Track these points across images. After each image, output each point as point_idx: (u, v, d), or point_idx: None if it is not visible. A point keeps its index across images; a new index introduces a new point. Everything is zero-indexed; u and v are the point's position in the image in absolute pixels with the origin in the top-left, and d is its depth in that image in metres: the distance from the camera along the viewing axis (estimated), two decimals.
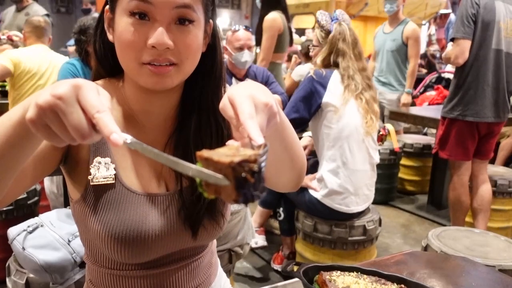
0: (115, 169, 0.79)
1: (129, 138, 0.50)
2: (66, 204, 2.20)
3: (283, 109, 2.75)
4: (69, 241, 1.50)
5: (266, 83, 2.85)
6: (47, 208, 2.28)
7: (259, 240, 2.73)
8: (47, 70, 2.75)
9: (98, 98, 0.51)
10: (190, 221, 0.82)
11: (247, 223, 1.85)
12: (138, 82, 0.76)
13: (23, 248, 1.47)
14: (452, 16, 12.85)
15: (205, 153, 0.48)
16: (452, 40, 2.56)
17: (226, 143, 0.54)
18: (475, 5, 2.46)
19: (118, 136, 0.48)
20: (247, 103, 0.55)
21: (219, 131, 0.85)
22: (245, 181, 0.46)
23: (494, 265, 1.66)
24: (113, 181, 0.78)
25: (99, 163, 0.78)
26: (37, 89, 2.71)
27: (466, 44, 2.49)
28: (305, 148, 2.27)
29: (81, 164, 0.79)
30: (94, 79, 0.86)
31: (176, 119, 0.86)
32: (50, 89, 0.50)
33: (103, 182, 0.78)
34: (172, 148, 0.84)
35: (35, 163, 0.72)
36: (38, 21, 2.91)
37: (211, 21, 0.81)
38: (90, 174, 0.78)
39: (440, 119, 2.75)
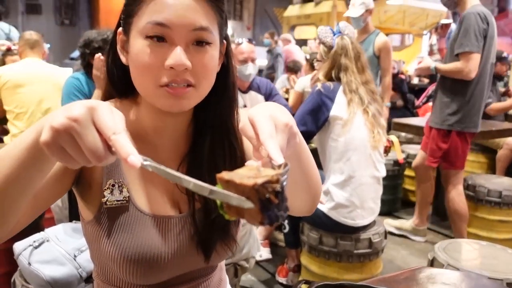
0: (128, 191, 0.79)
1: (146, 160, 0.50)
2: (71, 217, 2.20)
3: None
4: (75, 256, 1.50)
5: (270, 95, 2.85)
6: (51, 220, 2.28)
7: (263, 253, 2.72)
8: (37, 81, 2.76)
9: (114, 119, 0.51)
10: (202, 245, 0.82)
11: (253, 237, 1.85)
12: (154, 104, 0.75)
13: (29, 263, 1.47)
14: (453, 26, 12.91)
15: (225, 175, 0.48)
16: (457, 54, 2.56)
17: (246, 164, 0.54)
18: (485, 21, 2.50)
19: (135, 158, 0.48)
20: (267, 123, 0.55)
21: (232, 151, 0.85)
22: (269, 202, 0.46)
23: (502, 279, 1.65)
24: (127, 204, 0.78)
25: (113, 185, 0.78)
26: (27, 101, 2.72)
27: (479, 58, 2.52)
28: None
29: (94, 186, 0.79)
30: (105, 99, 0.85)
31: (189, 139, 0.86)
32: (65, 111, 0.50)
33: (116, 205, 0.78)
34: (185, 168, 0.84)
35: (48, 187, 0.72)
36: (29, 34, 2.97)
37: (224, 41, 0.81)
38: (104, 197, 0.77)
39: (440, 131, 2.75)
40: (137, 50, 0.72)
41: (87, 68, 2.22)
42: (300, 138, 0.68)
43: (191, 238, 0.82)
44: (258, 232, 2.73)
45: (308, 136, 2.07)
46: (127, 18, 0.75)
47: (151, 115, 0.81)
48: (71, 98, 2.18)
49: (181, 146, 0.85)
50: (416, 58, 11.63)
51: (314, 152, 2.18)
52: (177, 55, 0.70)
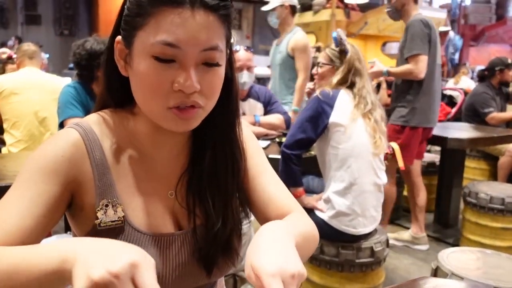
0: (123, 210, 0.75)
1: None
2: (66, 228, 2.16)
3: (287, 128, 2.73)
4: None
5: (269, 103, 2.83)
6: None
7: None
8: (34, 90, 2.75)
9: (155, 279, 0.52)
10: (204, 261, 0.79)
11: None
12: (160, 124, 0.72)
13: None
14: (451, 34, 12.96)
15: None
16: (407, 58, 2.85)
17: None
18: (427, 27, 2.82)
19: None
20: (274, 284, 0.55)
21: (235, 164, 0.82)
22: None
23: None
24: (122, 224, 0.74)
25: (106, 206, 0.74)
26: (24, 109, 2.70)
27: (426, 60, 2.84)
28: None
29: (87, 208, 0.74)
30: (99, 108, 0.82)
31: (189, 152, 0.83)
32: (106, 263, 0.50)
33: (111, 226, 0.74)
34: (185, 183, 0.81)
35: (46, 224, 0.69)
36: (27, 45, 2.99)
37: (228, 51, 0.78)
38: (97, 218, 0.73)
39: (395, 127, 2.98)
40: (144, 69, 0.68)
41: (93, 80, 2.18)
42: (300, 243, 0.70)
43: (192, 255, 0.79)
44: None
45: (307, 143, 2.04)
46: (131, 30, 0.70)
47: (150, 127, 0.77)
48: (67, 107, 2.15)
49: (181, 159, 0.82)
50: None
51: (314, 159, 2.15)
52: (188, 79, 0.67)
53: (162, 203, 0.79)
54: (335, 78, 2.07)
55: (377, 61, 3.04)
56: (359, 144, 1.97)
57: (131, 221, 0.75)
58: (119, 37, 0.73)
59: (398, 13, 3.05)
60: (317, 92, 2.03)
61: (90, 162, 0.73)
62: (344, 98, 2.01)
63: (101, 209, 0.73)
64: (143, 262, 0.52)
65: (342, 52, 2.08)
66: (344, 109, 1.99)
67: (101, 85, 0.81)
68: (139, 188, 0.77)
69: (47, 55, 9.91)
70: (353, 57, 2.06)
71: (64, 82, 2.84)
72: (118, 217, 0.74)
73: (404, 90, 2.96)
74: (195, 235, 0.79)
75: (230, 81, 0.79)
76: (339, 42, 2.08)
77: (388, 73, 2.98)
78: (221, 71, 0.72)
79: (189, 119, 0.70)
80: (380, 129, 2.01)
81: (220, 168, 0.80)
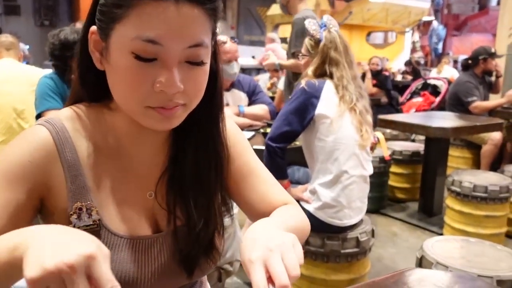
0: (98, 214, 0.70)
1: None
2: None
3: (272, 118, 2.70)
4: None
5: (253, 92, 2.79)
6: None
7: None
8: (12, 82, 2.67)
9: (110, 271, 0.50)
10: (185, 263, 0.76)
11: (237, 239, 1.79)
12: (140, 122, 0.68)
13: None
14: (435, 23, 13.06)
15: None
16: (293, 53, 2.88)
17: None
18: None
19: None
20: (254, 270, 0.56)
21: (218, 162, 0.78)
22: None
23: (492, 276, 1.61)
24: (97, 228, 0.70)
25: (80, 209, 0.69)
26: (1, 102, 2.62)
27: None
28: None
29: (59, 213, 0.69)
30: (73, 102, 0.76)
31: (170, 149, 0.78)
32: (61, 253, 0.47)
33: (85, 230, 0.70)
34: (165, 183, 0.76)
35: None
36: (5, 37, 2.91)
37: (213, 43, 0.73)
38: (71, 223, 0.68)
39: None
40: (122, 67, 0.63)
41: (67, 71, 2.11)
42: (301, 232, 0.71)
43: (172, 256, 0.75)
44: (243, 233, 2.67)
45: (293, 136, 1.99)
46: (108, 21, 0.63)
47: (128, 124, 0.72)
48: (45, 99, 2.09)
49: (161, 157, 0.77)
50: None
51: (299, 150, 2.13)
52: (171, 80, 0.62)
53: (141, 204, 0.75)
54: (310, 69, 2.03)
55: (271, 53, 3.18)
56: (346, 136, 1.94)
57: (107, 225, 0.71)
58: (93, 27, 0.67)
59: (285, 7, 3.14)
60: (303, 83, 1.98)
61: (61, 163, 0.69)
62: (329, 88, 1.96)
63: (74, 213, 0.68)
64: (99, 254, 0.49)
65: (318, 42, 2.02)
66: (330, 100, 1.95)
67: (75, 77, 0.74)
68: (116, 189, 0.73)
69: (28, 47, 9.68)
70: (327, 45, 1.98)
71: (42, 74, 2.76)
72: (93, 221, 0.69)
73: (295, 80, 2.95)
74: (175, 237, 0.75)
75: (214, 75, 0.74)
76: (308, 31, 2.03)
77: (280, 66, 3.14)
78: (207, 68, 0.68)
79: (172, 117, 0.66)
80: (365, 121, 1.99)
81: (203, 166, 0.76)
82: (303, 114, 1.95)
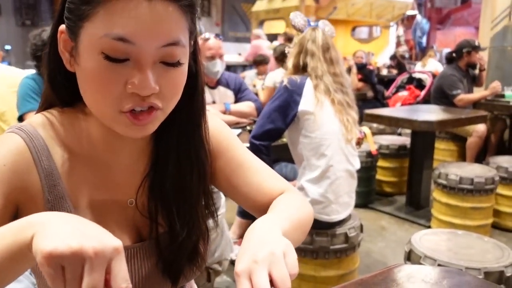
0: None
1: None
2: None
3: (258, 115, 2.69)
4: (31, 271, 1.39)
5: (239, 90, 2.78)
6: None
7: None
8: None
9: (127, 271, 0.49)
10: (169, 272, 0.73)
11: (225, 238, 1.78)
12: (113, 128, 0.64)
13: None
14: (419, 17, 13.15)
15: None
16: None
17: None
18: None
19: None
20: (242, 284, 0.54)
21: (201, 168, 0.75)
22: None
23: (479, 268, 1.63)
24: None
25: None
26: None
27: None
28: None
29: None
30: (45, 107, 0.72)
31: (150, 155, 0.75)
32: (88, 237, 0.46)
33: None
34: (146, 190, 0.73)
35: None
36: None
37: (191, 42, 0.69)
38: None
39: None
40: (92, 68, 0.59)
41: (40, 70, 2.08)
42: (290, 235, 0.66)
43: (155, 265, 0.73)
44: (233, 231, 2.66)
45: (277, 133, 1.99)
46: (76, 20, 0.60)
47: (104, 130, 0.68)
48: (26, 100, 2.05)
49: (141, 164, 0.74)
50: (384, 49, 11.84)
51: (285, 146, 2.12)
52: (144, 81, 0.58)
53: (121, 213, 0.72)
54: (289, 62, 2.03)
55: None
56: (330, 131, 1.94)
57: None
58: (62, 26, 0.63)
59: None
60: (285, 81, 1.98)
61: (38, 172, 0.65)
62: (311, 84, 1.97)
63: None
64: (122, 250, 0.48)
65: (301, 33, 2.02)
66: (312, 96, 1.95)
67: (45, 81, 0.70)
68: (94, 197, 0.69)
69: (9, 47, 9.50)
70: (306, 37, 1.99)
71: (24, 75, 2.71)
72: None
73: None
74: (158, 245, 0.73)
75: (194, 77, 0.70)
76: (295, 25, 2.02)
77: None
78: (184, 69, 0.64)
79: (146, 124, 0.62)
80: (347, 112, 1.98)
81: (185, 173, 0.73)
82: (285, 112, 1.95)
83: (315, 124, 1.93)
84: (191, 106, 0.72)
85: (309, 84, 1.96)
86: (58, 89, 0.70)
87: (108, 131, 0.67)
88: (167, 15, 0.58)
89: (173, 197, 0.73)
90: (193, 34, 0.66)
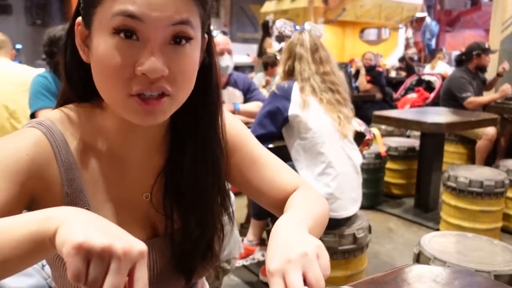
0: None
1: None
2: None
3: None
4: (43, 265, 1.40)
5: (248, 90, 2.78)
6: None
7: (264, 252, 2.65)
8: (2, 82, 2.64)
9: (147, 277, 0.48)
10: (182, 268, 0.73)
11: (234, 237, 1.78)
12: (122, 116, 0.64)
13: None
14: (428, 19, 13.09)
15: None
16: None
17: None
18: None
19: None
20: (273, 284, 0.54)
21: (216, 164, 0.75)
22: None
23: (489, 271, 1.62)
24: None
25: None
26: None
27: None
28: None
29: None
30: (62, 103, 0.73)
31: (165, 150, 0.74)
32: (117, 237, 0.46)
33: None
34: (161, 186, 0.74)
35: None
36: None
37: (206, 35, 0.69)
38: None
39: None
40: (102, 50, 0.59)
41: (56, 67, 2.11)
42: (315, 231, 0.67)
43: (169, 261, 0.73)
44: (252, 233, 2.67)
45: (269, 137, 2.05)
46: (88, 7, 0.62)
47: (119, 124, 0.69)
48: (38, 97, 2.07)
49: (156, 159, 0.74)
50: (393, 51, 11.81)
51: (286, 148, 2.14)
52: (152, 60, 0.58)
53: (136, 207, 0.73)
54: (280, 68, 2.10)
55: None
56: (323, 129, 1.98)
57: None
58: (79, 18, 0.65)
59: None
60: (273, 87, 2.05)
61: (58, 165, 0.66)
62: (298, 88, 2.02)
63: None
64: (146, 256, 0.48)
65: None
66: (299, 99, 1.99)
67: (62, 76, 0.71)
68: (110, 192, 0.70)
69: (20, 46, 9.57)
70: (294, 42, 2.04)
71: (34, 73, 2.73)
72: None
73: None
74: (172, 241, 0.73)
75: (209, 70, 0.71)
76: (282, 32, 2.09)
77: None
78: (194, 52, 0.63)
79: (155, 111, 0.61)
80: (339, 110, 2.00)
81: (200, 168, 0.73)
82: (275, 117, 2.01)
83: (307, 125, 1.97)
84: (206, 101, 0.72)
85: (296, 87, 2.01)
86: (75, 83, 0.71)
87: (123, 125, 0.68)
88: None
89: (188, 194, 0.73)
90: (205, 25, 0.67)
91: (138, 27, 0.58)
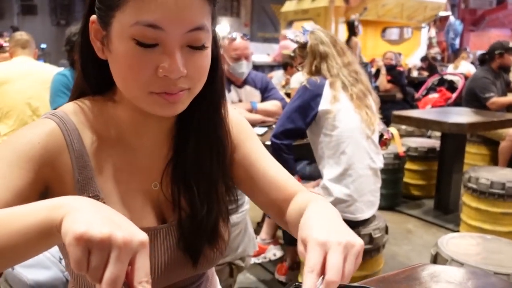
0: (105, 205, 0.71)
1: None
2: None
3: None
4: (60, 258, 1.43)
5: (266, 89, 2.78)
6: None
7: (276, 251, 2.65)
8: (26, 79, 2.71)
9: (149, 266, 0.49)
10: (190, 252, 0.75)
11: (248, 235, 1.78)
12: (144, 109, 0.67)
13: (13, 268, 1.40)
14: (452, 19, 12.85)
15: None
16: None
17: None
18: None
19: None
20: (314, 253, 0.55)
21: (220, 148, 0.77)
22: None
23: (508, 274, 1.58)
24: None
25: None
26: (16, 98, 2.65)
27: None
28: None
29: None
30: (77, 96, 0.76)
31: (173, 142, 0.78)
32: (118, 227, 0.47)
33: None
34: (170, 174, 0.76)
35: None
36: (20, 35, 2.95)
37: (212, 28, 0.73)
38: None
39: None
40: (124, 54, 0.63)
41: (74, 65, 2.16)
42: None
43: (177, 246, 0.75)
44: (266, 232, 2.67)
45: (297, 133, 2.02)
46: (107, 10, 0.64)
47: (132, 115, 0.72)
48: (58, 95, 2.12)
49: (165, 148, 0.77)
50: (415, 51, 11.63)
51: (308, 145, 2.13)
52: (174, 65, 0.62)
53: (145, 195, 0.75)
54: (304, 70, 2.07)
55: None
56: (350, 128, 1.95)
57: None
58: (93, 17, 0.67)
59: None
60: (305, 81, 2.01)
61: (69, 153, 0.69)
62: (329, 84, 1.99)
63: None
64: (148, 246, 0.49)
65: (305, 45, 2.06)
66: (330, 95, 1.97)
67: (77, 70, 0.75)
68: (120, 180, 0.73)
69: (44, 46, 9.78)
70: (313, 42, 2.03)
71: (56, 71, 2.80)
72: None
73: None
74: (180, 227, 0.75)
75: (214, 60, 0.74)
76: (292, 40, 2.09)
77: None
78: (208, 52, 0.67)
79: (176, 102, 0.66)
80: (365, 104, 1.98)
81: (204, 153, 0.76)
82: (305, 112, 1.98)
83: (334, 122, 1.94)
84: (211, 89, 0.74)
85: (327, 83, 1.98)
86: (89, 77, 0.73)
87: (135, 116, 0.72)
88: (191, 2, 0.62)
89: (194, 178, 0.75)
90: (215, 20, 0.69)
91: (158, 35, 0.61)
